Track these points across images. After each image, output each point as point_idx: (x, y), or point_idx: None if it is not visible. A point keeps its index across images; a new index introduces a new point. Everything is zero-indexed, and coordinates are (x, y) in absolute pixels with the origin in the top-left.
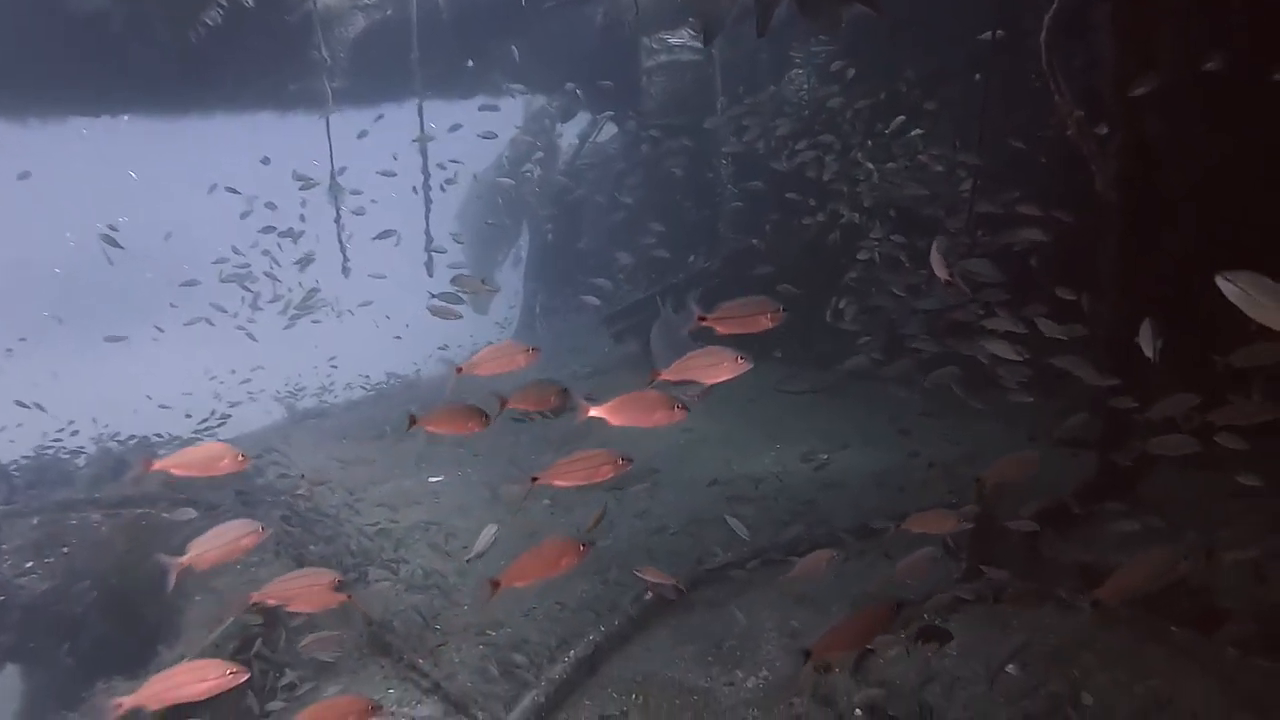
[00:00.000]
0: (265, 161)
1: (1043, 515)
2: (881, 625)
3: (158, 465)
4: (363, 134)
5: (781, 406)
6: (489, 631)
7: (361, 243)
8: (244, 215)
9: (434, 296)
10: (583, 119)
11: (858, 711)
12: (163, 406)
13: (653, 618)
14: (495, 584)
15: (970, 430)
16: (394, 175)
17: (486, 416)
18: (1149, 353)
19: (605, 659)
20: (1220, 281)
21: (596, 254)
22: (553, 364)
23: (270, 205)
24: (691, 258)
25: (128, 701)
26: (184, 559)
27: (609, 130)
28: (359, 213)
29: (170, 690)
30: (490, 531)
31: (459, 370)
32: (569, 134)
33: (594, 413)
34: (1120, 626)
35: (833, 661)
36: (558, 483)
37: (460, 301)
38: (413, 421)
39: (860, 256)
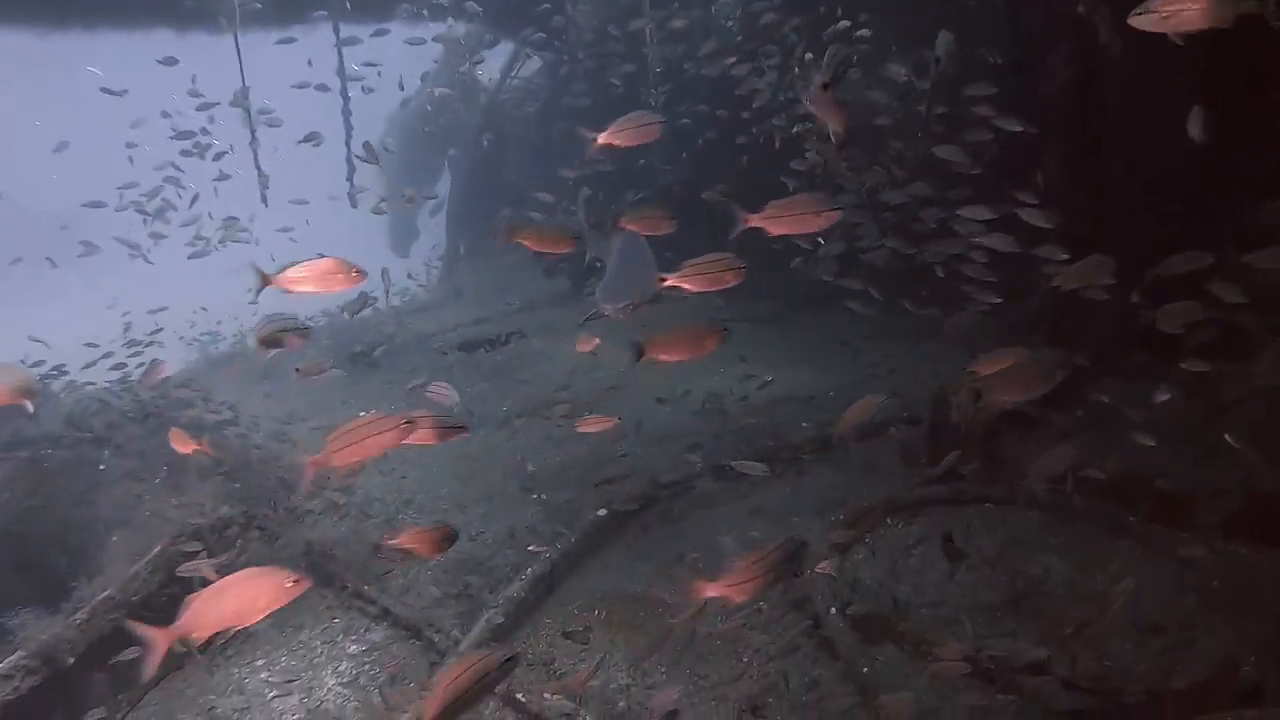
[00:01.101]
0: (169, 62)
1: (1000, 419)
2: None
3: (275, 280)
4: (287, 40)
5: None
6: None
7: (278, 163)
8: (129, 146)
9: (382, 199)
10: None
11: (832, 610)
12: (34, 339)
13: (609, 535)
14: (641, 350)
15: (915, 349)
16: (307, 86)
17: (578, 238)
18: (1195, 133)
19: (563, 578)
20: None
21: (522, 189)
22: (480, 302)
23: (165, 114)
24: (647, 163)
25: (313, 461)
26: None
27: (533, 63)
28: (274, 125)
29: (355, 447)
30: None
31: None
32: (492, 65)
33: (671, 282)
34: (1081, 520)
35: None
36: (662, 357)
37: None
38: (510, 232)
39: (797, 167)
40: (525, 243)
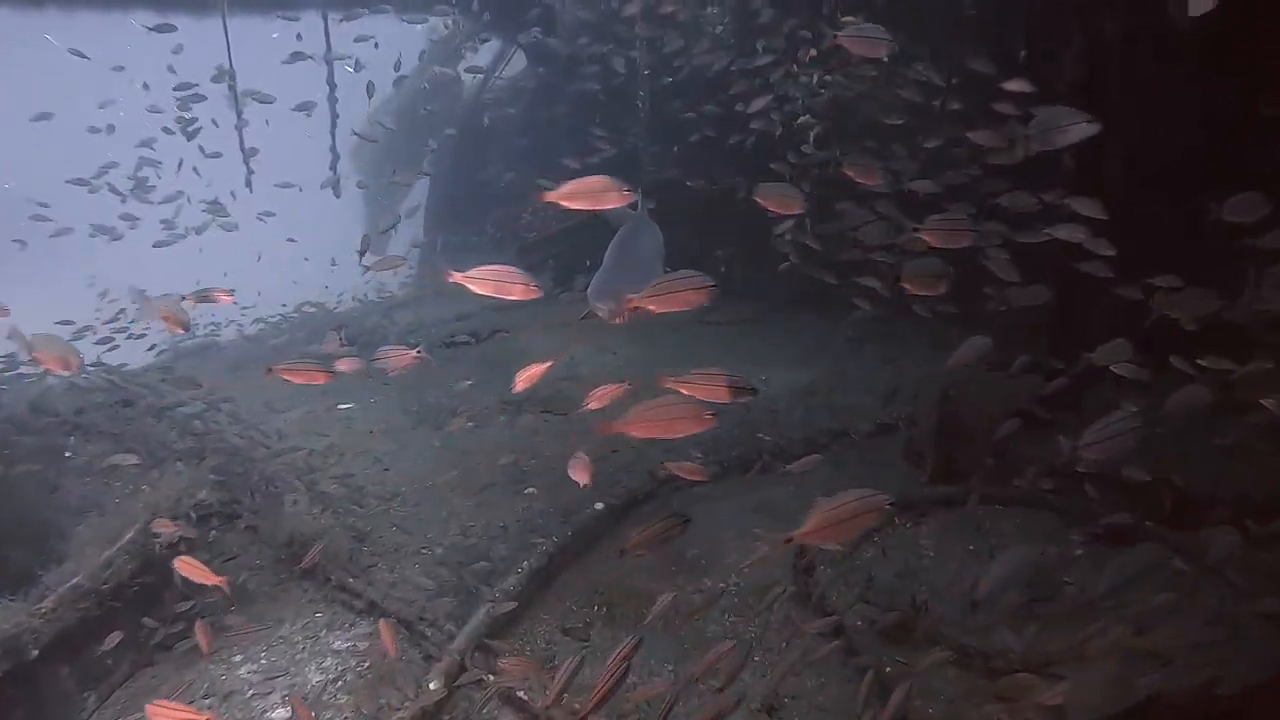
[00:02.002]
0: (164, 29)
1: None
2: None
3: (549, 196)
4: (291, 18)
5: (708, 337)
6: (423, 550)
7: (265, 140)
8: (93, 130)
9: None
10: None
11: (850, 608)
12: None
13: (605, 530)
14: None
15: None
16: (294, 61)
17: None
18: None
19: (559, 572)
20: None
21: (504, 187)
22: (460, 298)
23: (146, 86)
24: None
25: (629, 301)
26: None
27: (518, 61)
28: (265, 101)
29: (667, 298)
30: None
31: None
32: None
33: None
34: (1094, 521)
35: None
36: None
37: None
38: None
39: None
40: (763, 202)
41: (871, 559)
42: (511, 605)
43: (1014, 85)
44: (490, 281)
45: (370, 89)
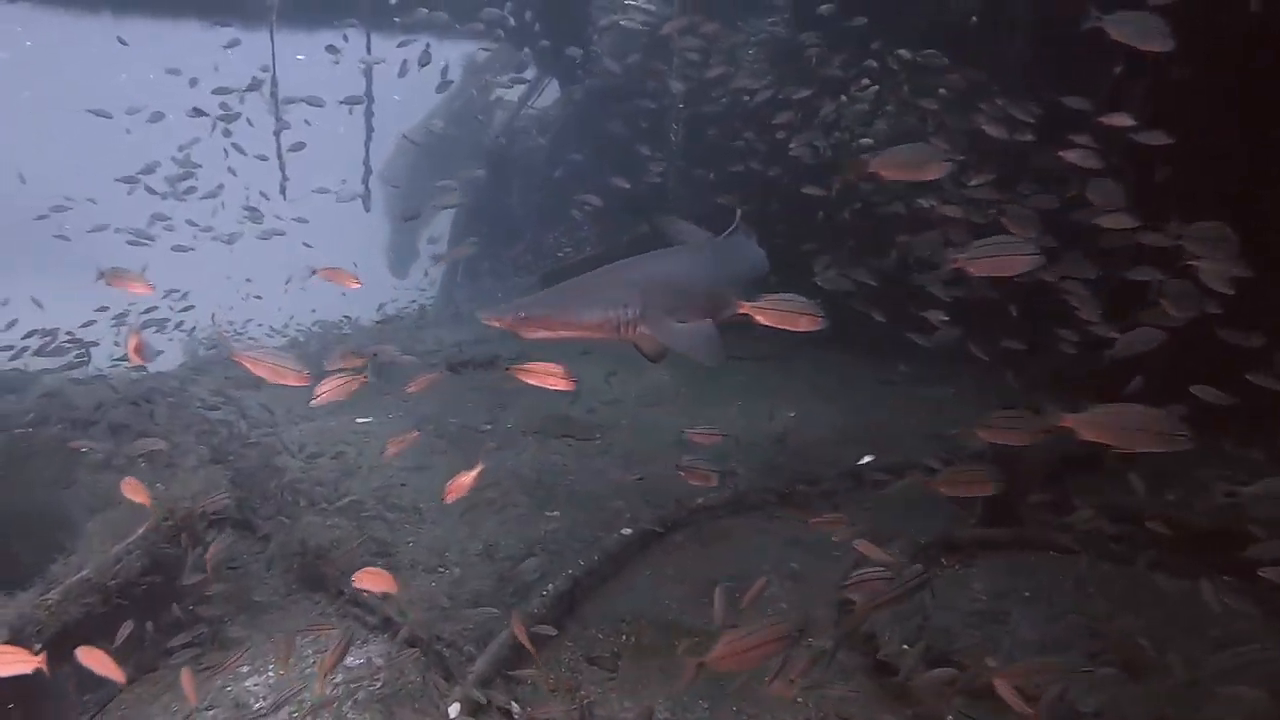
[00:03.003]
0: (221, 23)
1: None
2: None
3: (872, 165)
4: (348, 24)
5: (731, 370)
6: (440, 569)
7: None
8: (128, 131)
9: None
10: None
11: (905, 646)
12: None
13: (631, 557)
14: None
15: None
16: (339, 51)
17: None
18: None
19: (585, 598)
20: None
21: (537, 215)
22: (474, 322)
23: (194, 82)
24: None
25: None
26: None
27: (551, 92)
28: (315, 104)
29: None
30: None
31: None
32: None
33: None
34: (1159, 571)
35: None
36: None
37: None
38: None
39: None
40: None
41: (923, 601)
42: (551, 632)
43: (1116, 119)
44: (776, 312)
45: (425, 57)
